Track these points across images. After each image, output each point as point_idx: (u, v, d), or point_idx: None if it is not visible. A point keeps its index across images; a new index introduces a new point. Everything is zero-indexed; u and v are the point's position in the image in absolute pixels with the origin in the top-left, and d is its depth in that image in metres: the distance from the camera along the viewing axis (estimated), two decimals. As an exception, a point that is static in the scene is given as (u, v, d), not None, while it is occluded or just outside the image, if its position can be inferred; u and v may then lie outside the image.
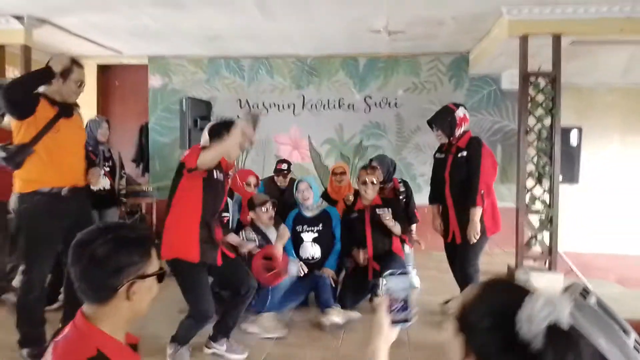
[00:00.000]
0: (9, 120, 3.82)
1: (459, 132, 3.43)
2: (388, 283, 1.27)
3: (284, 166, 4.67)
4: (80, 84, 2.93)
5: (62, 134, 2.84)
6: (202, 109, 6.29)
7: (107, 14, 5.11)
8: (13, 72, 5.54)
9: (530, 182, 4.81)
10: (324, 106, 6.60)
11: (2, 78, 5.35)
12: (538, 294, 0.85)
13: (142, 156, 6.88)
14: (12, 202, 2.87)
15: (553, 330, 0.80)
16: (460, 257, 3.40)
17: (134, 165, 6.76)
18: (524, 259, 4.73)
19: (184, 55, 6.71)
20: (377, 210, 3.76)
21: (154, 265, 1.22)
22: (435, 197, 3.67)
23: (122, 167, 4.65)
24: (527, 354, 0.81)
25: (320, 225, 3.95)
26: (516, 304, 0.85)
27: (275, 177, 4.70)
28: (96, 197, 4.12)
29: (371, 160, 4.52)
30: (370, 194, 3.86)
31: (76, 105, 3.04)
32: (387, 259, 3.63)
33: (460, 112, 3.42)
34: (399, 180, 4.63)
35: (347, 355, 2.93)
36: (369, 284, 3.77)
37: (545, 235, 4.77)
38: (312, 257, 3.90)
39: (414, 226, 4.63)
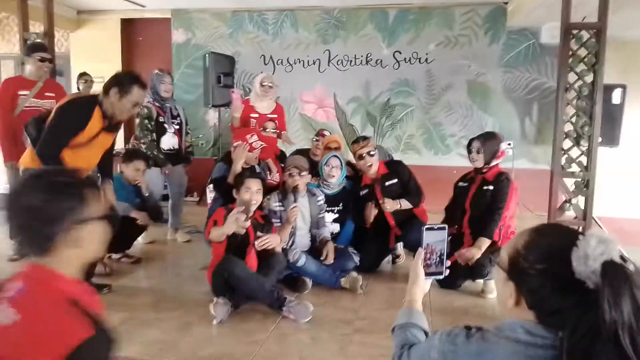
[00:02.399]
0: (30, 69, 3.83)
1: (493, 163, 3.28)
2: (427, 236, 1.34)
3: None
4: (136, 105, 2.88)
5: (94, 144, 2.87)
6: (225, 64, 6.14)
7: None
8: (37, 27, 5.48)
9: (567, 143, 4.54)
10: (350, 62, 6.35)
11: (26, 32, 5.31)
12: (590, 234, 0.88)
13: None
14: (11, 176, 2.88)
15: (608, 266, 0.84)
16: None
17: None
18: (556, 224, 4.53)
19: (207, 9, 6.52)
20: (383, 205, 3.55)
21: (95, 209, 1.15)
22: (449, 223, 3.46)
23: (186, 122, 4.46)
24: (583, 292, 0.86)
25: (341, 204, 3.74)
26: (569, 245, 0.88)
27: (314, 148, 4.46)
28: (164, 156, 4.11)
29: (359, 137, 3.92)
30: (373, 167, 3.65)
31: (121, 122, 3.03)
32: (409, 225, 3.50)
33: (503, 145, 3.26)
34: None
35: (366, 316, 2.88)
36: (389, 249, 3.67)
37: (580, 199, 4.54)
38: (332, 233, 3.71)
39: None
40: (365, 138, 3.72)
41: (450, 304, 3.09)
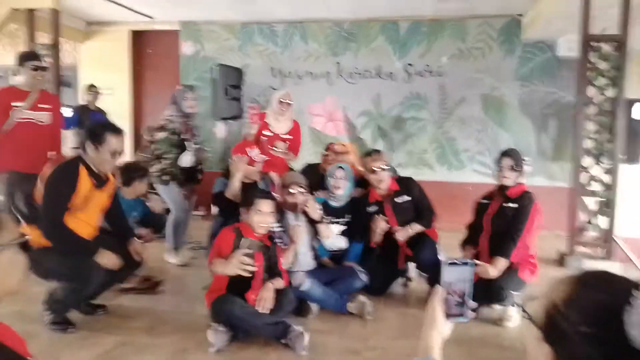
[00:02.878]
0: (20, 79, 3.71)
1: (518, 180, 3.13)
2: (448, 273, 1.15)
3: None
4: (114, 153, 2.75)
5: (90, 206, 2.77)
6: (233, 76, 6.06)
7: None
8: (43, 39, 5.42)
9: (587, 161, 4.34)
10: (360, 75, 6.21)
11: (32, 43, 5.26)
12: None
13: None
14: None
15: None
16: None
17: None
18: (575, 245, 4.31)
19: (216, 21, 6.45)
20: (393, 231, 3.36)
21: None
22: (469, 243, 3.30)
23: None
24: None
25: (347, 216, 3.54)
26: (621, 303, 0.71)
27: (324, 162, 4.21)
28: (184, 173, 3.95)
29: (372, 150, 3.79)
30: (384, 182, 3.45)
31: (112, 175, 2.92)
32: (420, 244, 3.30)
33: (528, 163, 3.12)
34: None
35: (375, 346, 2.68)
36: (398, 270, 3.47)
37: (602, 219, 4.32)
38: (338, 250, 3.54)
39: None
40: (377, 151, 3.57)
41: (467, 333, 2.86)
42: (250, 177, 3.47)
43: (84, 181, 2.70)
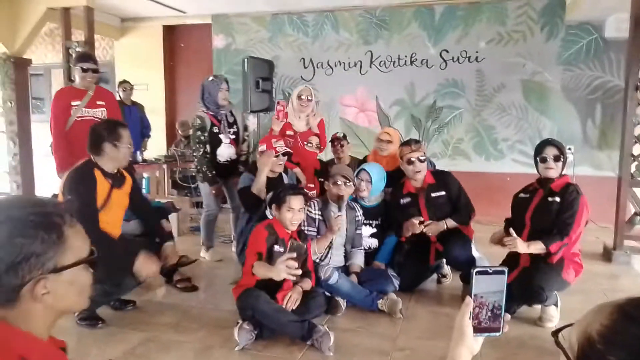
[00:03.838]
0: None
1: (562, 172, 2.89)
2: (478, 282, 1.03)
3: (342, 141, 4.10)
4: (130, 145, 2.83)
5: (111, 205, 2.77)
6: (264, 69, 5.98)
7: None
8: (79, 36, 5.53)
9: (637, 148, 4.04)
10: (393, 63, 6.02)
11: (68, 41, 5.37)
12: None
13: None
14: None
15: None
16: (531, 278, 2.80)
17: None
18: (624, 239, 4.03)
19: (247, 13, 6.40)
20: (424, 229, 3.19)
21: (74, 252, 0.92)
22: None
23: (245, 128, 4.19)
24: None
25: (380, 219, 3.45)
26: None
27: (335, 154, 4.15)
28: (222, 168, 3.92)
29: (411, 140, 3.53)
30: (421, 174, 3.29)
31: (124, 175, 2.91)
32: (451, 240, 3.14)
33: (570, 155, 2.87)
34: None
35: (405, 346, 2.57)
36: (430, 267, 3.33)
37: (654, 211, 4.03)
38: (369, 247, 3.45)
39: None
40: (417, 141, 3.37)
41: (504, 334, 2.72)
42: (274, 170, 3.41)
43: (101, 182, 2.72)
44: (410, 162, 3.28)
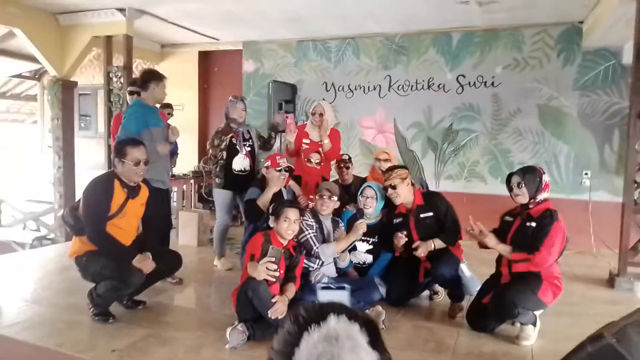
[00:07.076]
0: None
1: (540, 197, 2.98)
2: (321, 297, 1.14)
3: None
4: (138, 163, 3.04)
5: (127, 214, 3.07)
6: (286, 92, 6.36)
7: (196, 2, 5.34)
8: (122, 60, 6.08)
9: (641, 175, 4.05)
10: (411, 87, 6.24)
11: (109, 66, 5.93)
12: None
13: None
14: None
15: None
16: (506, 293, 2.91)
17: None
18: (627, 265, 4.02)
19: (274, 40, 6.81)
20: (414, 252, 3.34)
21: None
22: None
23: (272, 127, 4.61)
24: None
25: (377, 237, 3.64)
26: None
27: (339, 173, 4.39)
28: (236, 178, 4.22)
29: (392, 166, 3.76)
30: (399, 199, 3.44)
31: (140, 186, 3.18)
32: (439, 258, 3.28)
33: (546, 177, 2.99)
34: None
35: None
36: (418, 283, 3.48)
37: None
38: (364, 263, 3.64)
39: None
40: (392, 168, 3.56)
41: (478, 349, 2.84)
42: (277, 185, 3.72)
43: (118, 192, 3.05)
44: (385, 189, 3.51)
